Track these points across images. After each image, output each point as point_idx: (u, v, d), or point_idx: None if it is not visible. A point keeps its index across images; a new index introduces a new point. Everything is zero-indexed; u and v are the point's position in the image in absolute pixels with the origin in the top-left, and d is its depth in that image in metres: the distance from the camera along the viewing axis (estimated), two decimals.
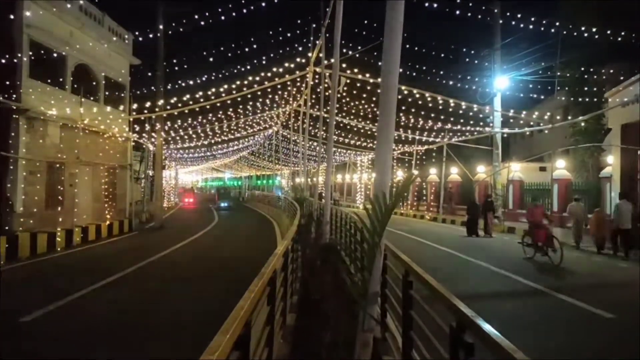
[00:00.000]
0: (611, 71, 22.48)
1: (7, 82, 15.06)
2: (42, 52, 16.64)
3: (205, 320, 7.42)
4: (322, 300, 5.44)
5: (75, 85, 18.41)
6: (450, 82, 25.01)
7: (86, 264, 13.20)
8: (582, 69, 23.61)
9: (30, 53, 15.88)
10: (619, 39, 19.87)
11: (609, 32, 20.01)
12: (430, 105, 22.88)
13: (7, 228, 14.39)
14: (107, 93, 21.22)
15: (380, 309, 5.14)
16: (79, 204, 17.65)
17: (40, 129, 16.41)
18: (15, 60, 15.23)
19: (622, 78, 17.87)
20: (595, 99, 22.97)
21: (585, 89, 23.23)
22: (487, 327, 2.16)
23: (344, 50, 17.66)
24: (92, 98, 20.02)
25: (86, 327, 7.22)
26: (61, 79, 17.96)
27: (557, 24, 21.07)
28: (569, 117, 24.10)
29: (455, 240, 17.27)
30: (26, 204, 15.48)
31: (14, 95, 15.20)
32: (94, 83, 20.46)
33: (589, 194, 19.61)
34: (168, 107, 21.41)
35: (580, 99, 23.67)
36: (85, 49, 18.94)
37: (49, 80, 17.13)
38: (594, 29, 20.12)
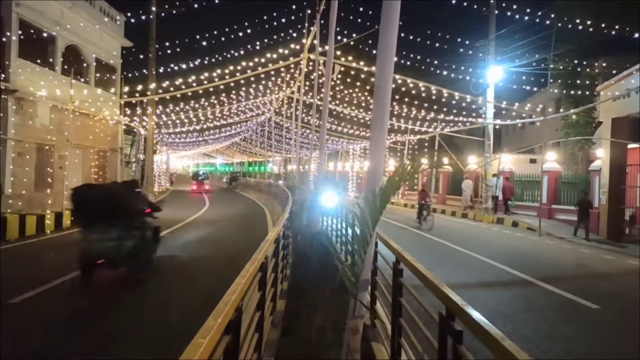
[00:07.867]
0: (604, 65, 22.58)
1: None
2: (32, 31, 16.36)
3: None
4: (312, 286, 5.48)
5: (66, 67, 18.15)
6: (444, 73, 25.06)
7: (76, 246, 13.09)
8: (575, 62, 23.68)
9: (20, 32, 15.60)
10: (613, 32, 19.94)
11: (602, 25, 20.07)
12: (423, 95, 22.89)
13: None
14: (98, 75, 20.94)
15: (370, 296, 5.20)
16: (69, 187, 17.44)
17: (30, 110, 16.18)
18: (4, 40, 14.95)
19: (614, 72, 17.94)
20: (587, 92, 23.08)
21: (578, 82, 23.34)
22: (477, 315, 2.18)
23: (339, 38, 17.54)
24: (82, 80, 19.75)
25: (75, 310, 7.21)
26: (51, 60, 17.69)
27: (552, 16, 21.10)
28: (561, 110, 24.23)
29: None
30: (15, 186, 15.32)
31: (3, 75, 14.95)
32: (85, 64, 20.19)
33: (578, 187, 19.79)
34: (160, 91, 21.19)
35: (572, 92, 23.78)
36: (76, 29, 18.63)
37: (38, 61, 16.86)
38: (588, 22, 20.17)
